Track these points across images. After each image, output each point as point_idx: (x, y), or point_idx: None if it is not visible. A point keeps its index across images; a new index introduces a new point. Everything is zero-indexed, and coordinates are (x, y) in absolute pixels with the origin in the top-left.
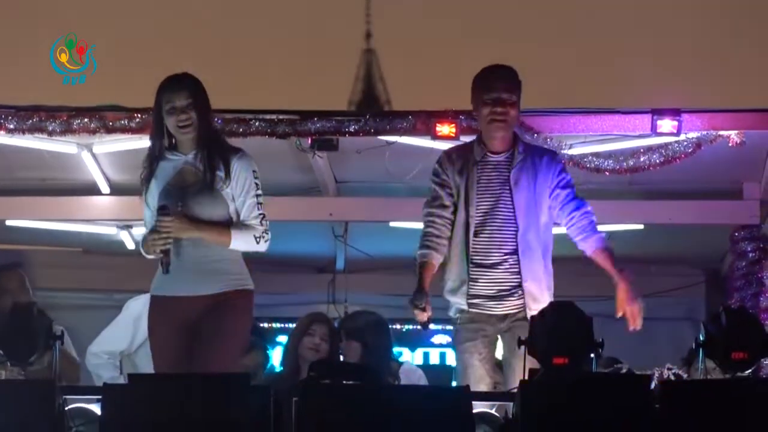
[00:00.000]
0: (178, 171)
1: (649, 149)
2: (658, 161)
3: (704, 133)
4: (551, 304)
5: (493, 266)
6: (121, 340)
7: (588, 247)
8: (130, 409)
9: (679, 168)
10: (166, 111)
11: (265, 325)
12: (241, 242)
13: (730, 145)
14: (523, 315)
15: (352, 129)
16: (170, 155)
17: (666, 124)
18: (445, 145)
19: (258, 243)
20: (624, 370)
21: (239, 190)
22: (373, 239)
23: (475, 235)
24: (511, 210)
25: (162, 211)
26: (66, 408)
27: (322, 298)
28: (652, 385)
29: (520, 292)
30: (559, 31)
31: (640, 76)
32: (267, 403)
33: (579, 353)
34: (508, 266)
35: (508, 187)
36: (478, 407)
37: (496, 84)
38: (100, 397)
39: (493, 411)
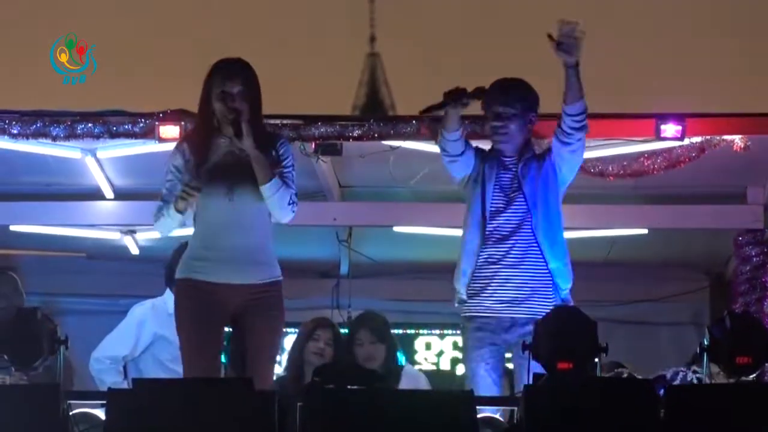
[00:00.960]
0: (224, 153)
1: (653, 154)
2: (662, 166)
3: (708, 137)
4: (555, 308)
5: (505, 257)
6: (123, 346)
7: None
8: (135, 414)
9: (683, 173)
10: (216, 95)
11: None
12: (281, 192)
13: (734, 149)
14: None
15: (356, 134)
16: (217, 137)
17: (670, 129)
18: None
19: (289, 205)
20: (625, 375)
21: (284, 168)
22: (377, 244)
23: (488, 233)
24: (524, 202)
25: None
26: (70, 413)
27: (325, 303)
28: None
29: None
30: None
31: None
32: (272, 408)
33: (583, 358)
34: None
35: (517, 182)
36: (483, 412)
37: (496, 98)
38: (104, 402)
39: (498, 416)
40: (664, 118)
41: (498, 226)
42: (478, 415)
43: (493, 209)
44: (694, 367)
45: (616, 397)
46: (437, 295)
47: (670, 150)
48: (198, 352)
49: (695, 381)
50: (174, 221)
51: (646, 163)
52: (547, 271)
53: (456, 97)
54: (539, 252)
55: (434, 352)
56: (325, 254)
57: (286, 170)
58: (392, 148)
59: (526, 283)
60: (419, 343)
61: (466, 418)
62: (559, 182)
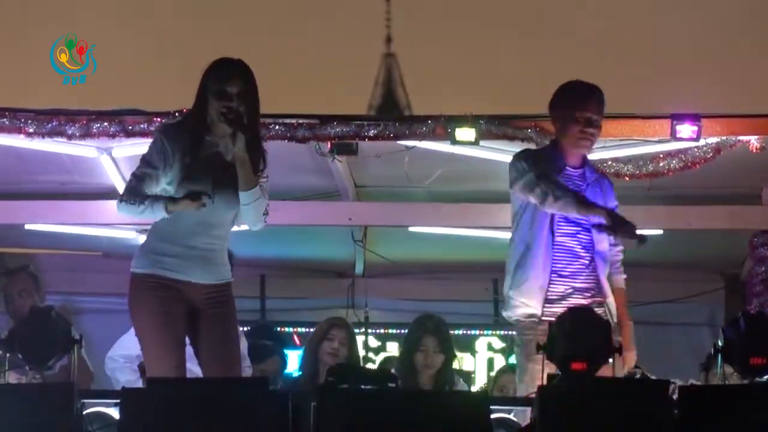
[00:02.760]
0: (210, 154)
1: (669, 154)
2: (677, 166)
3: (724, 138)
4: (570, 309)
5: (571, 275)
6: (137, 345)
7: (613, 282)
8: (148, 413)
9: (699, 173)
10: (213, 93)
11: (289, 329)
12: (260, 201)
13: (750, 150)
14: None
15: (371, 133)
16: (206, 135)
17: (685, 130)
18: (464, 150)
19: (264, 215)
20: (638, 375)
21: (262, 177)
22: (392, 244)
23: (555, 243)
24: (587, 223)
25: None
26: (84, 412)
27: (341, 302)
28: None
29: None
30: (579, 37)
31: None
32: (286, 407)
33: (597, 359)
34: (584, 277)
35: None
36: (497, 412)
37: (591, 104)
38: (118, 401)
39: (512, 416)
40: (679, 118)
41: (565, 241)
42: (492, 416)
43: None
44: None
45: (630, 398)
46: (452, 295)
47: (685, 151)
48: (168, 350)
49: None
50: (150, 216)
51: (661, 164)
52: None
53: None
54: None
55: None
56: (340, 254)
57: (263, 179)
58: (408, 148)
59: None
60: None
61: (480, 419)
62: None
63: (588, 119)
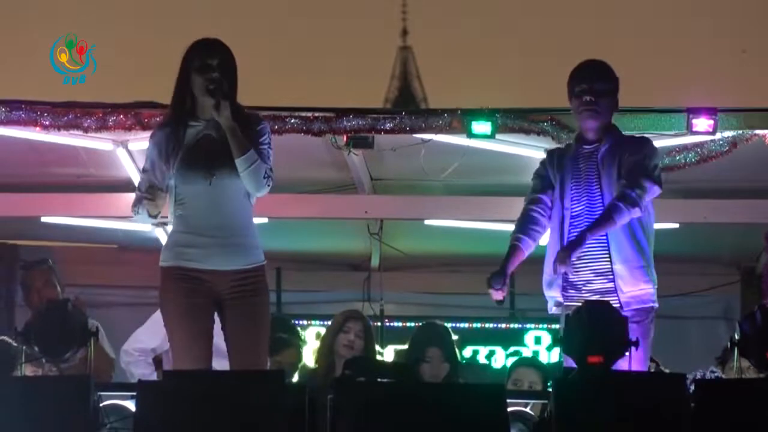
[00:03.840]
0: (200, 137)
1: (685, 148)
2: (693, 160)
3: (740, 132)
4: (586, 302)
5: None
6: (152, 338)
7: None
8: (165, 405)
9: (715, 167)
10: (195, 69)
11: (304, 322)
12: (256, 165)
13: (766, 144)
14: (615, 297)
15: (387, 127)
16: (191, 121)
17: (702, 123)
18: (480, 143)
19: (264, 179)
20: (653, 369)
21: (261, 144)
22: (408, 237)
23: (571, 227)
24: (599, 193)
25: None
26: (101, 404)
27: (356, 296)
28: None
29: (610, 275)
30: (595, 30)
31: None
32: (302, 400)
33: (614, 352)
34: (598, 250)
35: (596, 173)
36: (514, 405)
37: (584, 75)
38: (134, 393)
39: (528, 409)
40: (695, 112)
41: (579, 219)
42: (509, 409)
43: (572, 206)
44: (712, 368)
45: (645, 392)
46: (468, 288)
47: (701, 144)
48: (194, 343)
49: None
50: (151, 217)
51: (677, 158)
52: (629, 248)
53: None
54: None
55: (474, 344)
56: (356, 247)
57: (262, 146)
58: (424, 141)
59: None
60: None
61: (497, 411)
62: None
63: (583, 89)
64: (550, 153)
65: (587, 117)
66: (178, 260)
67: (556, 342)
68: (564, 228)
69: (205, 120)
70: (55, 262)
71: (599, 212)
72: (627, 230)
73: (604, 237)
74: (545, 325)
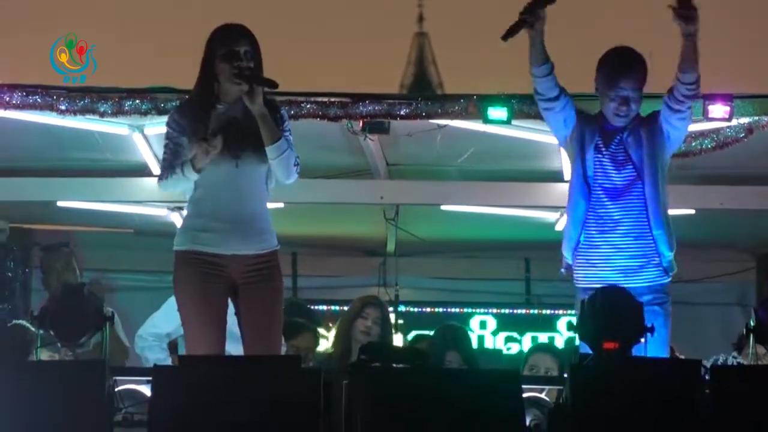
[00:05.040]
0: (225, 121)
1: (701, 134)
2: (709, 146)
3: (756, 118)
4: (602, 289)
5: (616, 226)
6: (167, 323)
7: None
8: (180, 390)
9: (731, 153)
10: (222, 55)
11: (322, 308)
12: (287, 153)
13: None
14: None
15: (403, 112)
16: (217, 105)
17: (718, 110)
18: (496, 129)
19: (295, 166)
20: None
21: (285, 132)
22: (424, 223)
23: (594, 200)
24: (632, 169)
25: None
26: (116, 389)
27: (372, 281)
28: None
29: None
30: (611, 15)
31: None
32: (317, 385)
33: (629, 338)
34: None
35: (623, 148)
36: (529, 391)
37: (625, 82)
38: (150, 378)
39: (543, 395)
40: (711, 98)
41: (606, 193)
42: (524, 395)
43: (598, 175)
44: (734, 353)
45: (661, 378)
46: (484, 274)
47: (717, 131)
48: (208, 328)
49: None
50: (188, 182)
51: (693, 144)
52: (652, 239)
53: (530, 8)
54: (646, 221)
55: (489, 330)
56: (371, 232)
57: (284, 132)
58: (440, 126)
59: (639, 252)
60: (474, 322)
61: (512, 397)
62: (667, 150)
63: (623, 98)
64: (580, 111)
65: (618, 120)
66: (194, 244)
67: (571, 328)
68: (589, 191)
69: (231, 104)
70: (68, 245)
71: (630, 179)
72: (663, 209)
73: (644, 209)
74: (560, 311)
